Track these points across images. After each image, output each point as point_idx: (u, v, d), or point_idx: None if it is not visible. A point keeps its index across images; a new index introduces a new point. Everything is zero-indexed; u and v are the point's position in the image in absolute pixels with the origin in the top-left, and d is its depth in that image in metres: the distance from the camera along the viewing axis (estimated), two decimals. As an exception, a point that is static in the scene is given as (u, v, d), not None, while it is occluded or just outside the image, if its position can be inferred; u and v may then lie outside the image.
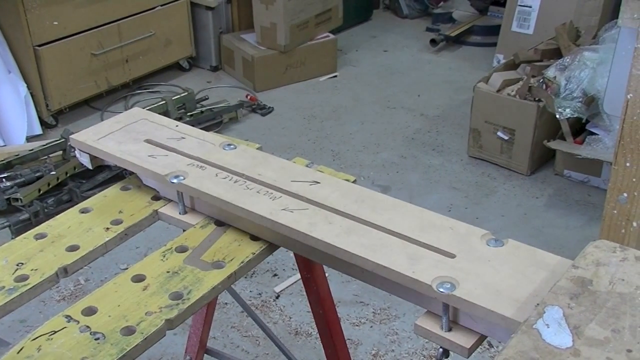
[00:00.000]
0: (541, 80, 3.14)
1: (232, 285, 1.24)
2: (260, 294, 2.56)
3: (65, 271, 1.14)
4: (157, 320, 1.01)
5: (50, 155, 3.07)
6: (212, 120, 3.63)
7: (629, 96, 1.77)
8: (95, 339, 0.98)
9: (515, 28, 4.06)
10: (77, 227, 1.24)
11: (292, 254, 1.49)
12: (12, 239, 1.27)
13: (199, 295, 1.07)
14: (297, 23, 4.03)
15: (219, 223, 1.24)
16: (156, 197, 1.32)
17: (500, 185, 3.20)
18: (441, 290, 0.97)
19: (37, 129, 3.55)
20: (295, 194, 1.19)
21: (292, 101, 3.98)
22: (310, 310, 1.57)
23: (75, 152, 1.39)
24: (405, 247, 1.06)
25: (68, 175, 2.95)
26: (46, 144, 3.10)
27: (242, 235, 1.21)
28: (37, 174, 2.92)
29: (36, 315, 2.42)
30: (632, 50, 1.77)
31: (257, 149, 1.38)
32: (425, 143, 3.55)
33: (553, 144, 3.12)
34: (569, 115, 3.01)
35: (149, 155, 1.30)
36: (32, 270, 1.13)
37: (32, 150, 3.06)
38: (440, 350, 1.00)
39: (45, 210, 2.81)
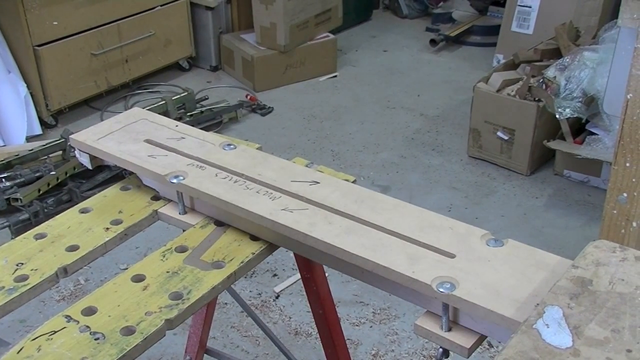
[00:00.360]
0: (541, 80, 3.14)
1: (232, 285, 1.24)
2: (260, 294, 2.56)
3: (65, 271, 1.14)
4: (156, 320, 1.01)
5: (50, 155, 3.07)
6: (212, 120, 3.63)
7: (628, 96, 1.77)
8: (95, 339, 0.98)
9: (515, 28, 4.05)
10: (77, 227, 1.24)
11: (292, 254, 1.49)
12: (12, 239, 1.27)
13: (198, 295, 1.07)
14: (296, 23, 4.03)
15: (219, 223, 1.24)
16: (156, 197, 1.32)
17: (500, 185, 3.20)
18: (441, 290, 0.97)
19: (37, 129, 3.55)
20: (295, 194, 1.19)
21: (292, 101, 3.98)
22: (310, 310, 1.57)
23: (75, 152, 1.39)
24: (405, 247, 1.06)
25: (68, 175, 2.95)
26: (46, 144, 3.09)
27: (242, 235, 1.21)
28: (37, 174, 2.92)
29: (36, 315, 2.42)
30: (632, 50, 1.76)
31: (257, 149, 1.38)
32: (425, 143, 3.55)
33: (553, 144, 3.12)
34: (568, 115, 3.01)
35: (149, 155, 1.30)
36: (31, 270, 1.13)
37: (32, 150, 3.06)
38: (440, 350, 1.00)
39: (45, 210, 2.81)
